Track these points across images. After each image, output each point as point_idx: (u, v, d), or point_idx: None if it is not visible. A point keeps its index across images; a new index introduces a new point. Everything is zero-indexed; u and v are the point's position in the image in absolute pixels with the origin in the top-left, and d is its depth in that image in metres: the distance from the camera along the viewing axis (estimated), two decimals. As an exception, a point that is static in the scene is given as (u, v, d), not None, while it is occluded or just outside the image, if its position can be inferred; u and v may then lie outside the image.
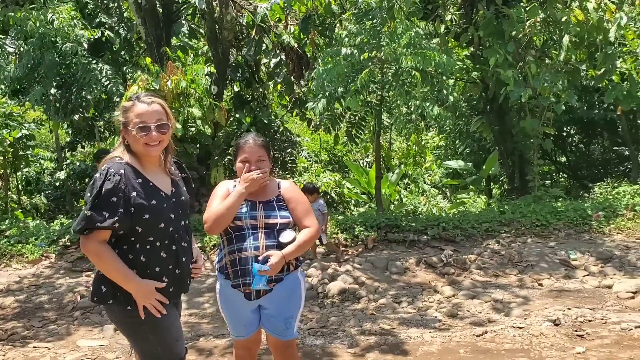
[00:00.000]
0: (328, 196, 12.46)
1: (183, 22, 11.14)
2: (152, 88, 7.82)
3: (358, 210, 11.65)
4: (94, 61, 9.49)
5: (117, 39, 11.23)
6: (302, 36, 9.85)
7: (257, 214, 2.73)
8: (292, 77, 10.50)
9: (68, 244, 7.57)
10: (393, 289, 5.68)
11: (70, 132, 13.54)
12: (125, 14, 11.72)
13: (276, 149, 11.83)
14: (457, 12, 10.01)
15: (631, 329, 4.26)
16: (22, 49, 9.32)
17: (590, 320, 4.52)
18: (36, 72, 9.04)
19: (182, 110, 8.03)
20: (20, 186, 13.89)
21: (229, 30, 9.58)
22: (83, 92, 9.38)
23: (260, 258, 2.62)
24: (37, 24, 8.87)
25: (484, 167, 11.53)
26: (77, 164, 13.65)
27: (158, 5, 9.97)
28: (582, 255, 6.34)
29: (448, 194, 15.00)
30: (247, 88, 11.50)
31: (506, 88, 8.22)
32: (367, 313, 5.03)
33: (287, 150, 12.20)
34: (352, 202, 12.95)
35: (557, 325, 4.44)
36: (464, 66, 10.73)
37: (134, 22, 10.69)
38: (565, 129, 14.68)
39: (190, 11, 11.41)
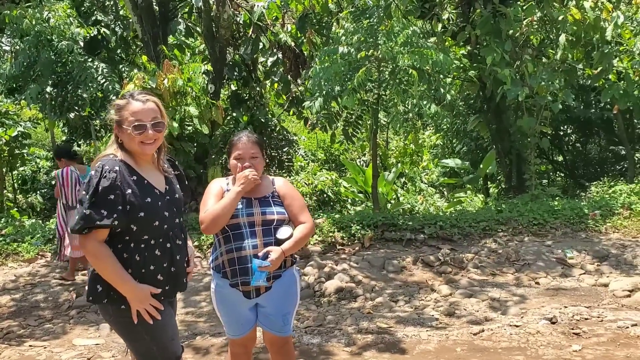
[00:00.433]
0: (325, 195, 12.45)
1: (180, 20, 11.12)
2: (149, 86, 7.77)
3: (355, 209, 11.63)
4: (90, 59, 9.43)
5: (113, 37, 11.20)
6: (299, 35, 9.82)
7: (253, 211, 2.73)
8: (289, 76, 10.49)
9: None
10: (390, 288, 5.68)
11: (66, 130, 13.46)
12: (121, 12, 11.69)
13: (273, 148, 11.82)
14: (454, 11, 10.01)
15: (627, 327, 4.27)
16: (17, 47, 9.26)
17: (586, 319, 4.53)
18: (32, 70, 8.98)
19: (179, 109, 7.97)
20: (15, 185, 13.83)
21: (225, 29, 9.55)
22: (79, 91, 9.32)
23: (260, 254, 2.62)
24: (33, 22, 8.81)
25: (481, 165, 11.52)
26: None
27: (154, 3, 9.92)
28: (579, 254, 6.34)
29: (445, 192, 14.97)
30: (244, 87, 11.47)
31: (503, 87, 8.23)
32: (364, 312, 5.03)
33: (284, 149, 12.20)
34: (349, 200, 12.92)
35: (553, 323, 4.45)
36: (461, 65, 10.74)
37: (130, 20, 10.65)
38: (562, 127, 14.70)
39: (186, 9, 11.39)
